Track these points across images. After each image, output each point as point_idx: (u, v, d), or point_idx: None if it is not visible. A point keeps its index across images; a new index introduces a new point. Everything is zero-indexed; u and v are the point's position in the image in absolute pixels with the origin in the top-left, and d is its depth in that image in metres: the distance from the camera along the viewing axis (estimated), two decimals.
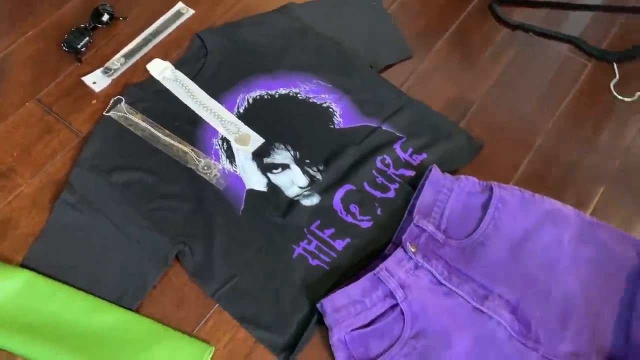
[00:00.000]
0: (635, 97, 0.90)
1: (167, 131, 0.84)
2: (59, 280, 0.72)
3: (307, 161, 0.82)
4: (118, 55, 0.93)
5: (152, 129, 0.84)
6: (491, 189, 0.77)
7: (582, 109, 0.90)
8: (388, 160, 0.82)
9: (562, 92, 0.91)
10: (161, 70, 0.89)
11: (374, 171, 0.81)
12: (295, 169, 0.81)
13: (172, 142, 0.83)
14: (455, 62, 0.94)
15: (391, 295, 0.70)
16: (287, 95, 0.87)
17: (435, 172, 0.78)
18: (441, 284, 0.71)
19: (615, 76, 0.92)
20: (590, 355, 0.68)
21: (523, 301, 0.71)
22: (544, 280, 0.72)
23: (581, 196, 0.81)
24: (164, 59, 0.91)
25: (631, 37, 0.97)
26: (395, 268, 0.71)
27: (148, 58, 0.92)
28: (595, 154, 0.85)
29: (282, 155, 0.82)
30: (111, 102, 0.87)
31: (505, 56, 0.95)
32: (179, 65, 0.90)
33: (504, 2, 1.00)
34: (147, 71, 0.90)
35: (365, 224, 0.77)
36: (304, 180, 0.80)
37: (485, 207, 0.76)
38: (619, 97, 0.90)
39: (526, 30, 0.97)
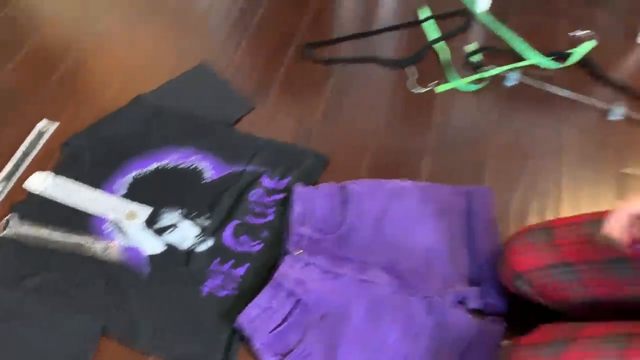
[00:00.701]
0: (428, 88, 1.14)
1: (61, 231, 0.93)
2: None
3: (194, 214, 0.95)
4: None
5: (47, 235, 0.93)
6: (345, 187, 0.95)
7: (397, 107, 1.12)
8: (260, 192, 0.97)
9: (379, 99, 1.14)
10: (42, 180, 0.99)
11: (251, 204, 0.95)
12: (185, 224, 0.94)
13: (68, 239, 0.92)
14: (290, 101, 1.14)
15: (292, 293, 0.83)
16: (159, 168, 1.01)
17: (299, 187, 0.95)
18: (329, 271, 0.86)
19: (408, 77, 1.16)
20: (455, 283, 0.86)
21: (394, 262, 0.88)
22: (406, 241, 0.90)
23: (414, 170, 1.02)
24: (42, 170, 1.01)
25: (414, 46, 1.23)
26: (289, 271, 0.85)
27: (27, 174, 1.01)
28: (416, 137, 1.07)
29: (170, 217, 0.95)
30: (2, 223, 0.95)
31: (327, 85, 1.16)
32: (57, 171, 1.01)
33: (313, 46, 1.22)
34: (28, 188, 0.99)
35: (257, 247, 0.91)
36: (195, 231, 0.93)
37: (345, 201, 0.94)
38: (416, 91, 1.14)
39: (337, 61, 1.20)
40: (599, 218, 0.74)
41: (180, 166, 1.01)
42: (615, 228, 0.63)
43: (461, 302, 0.84)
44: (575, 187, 0.99)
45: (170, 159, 1.02)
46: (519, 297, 0.80)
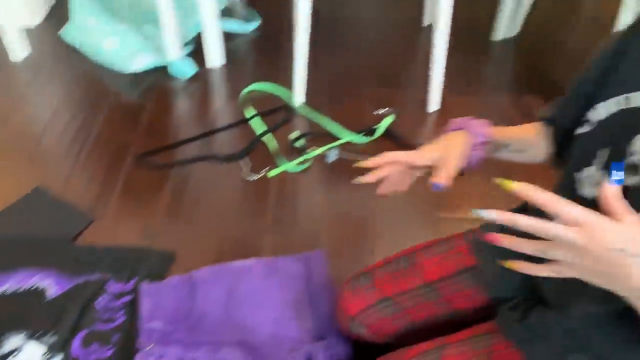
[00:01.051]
0: (262, 174, 1.27)
1: None
2: None
3: (39, 333, 0.93)
4: None
5: None
6: (192, 276, 1.00)
7: (236, 196, 1.22)
8: (107, 298, 0.98)
9: (218, 191, 1.23)
10: None
11: (98, 312, 0.96)
12: (30, 345, 0.91)
13: None
14: (131, 207, 1.19)
15: None
16: None
17: (145, 286, 0.98)
18: (183, 358, 0.88)
19: (242, 168, 1.28)
20: (303, 343, 0.92)
21: (246, 336, 0.93)
22: (254, 315, 0.96)
23: (258, 249, 1.10)
24: None
25: (245, 140, 1.36)
26: None
27: None
28: (256, 219, 1.17)
29: (13, 341, 0.92)
30: None
31: (166, 187, 1.23)
32: None
33: (149, 154, 1.30)
34: None
35: (109, 353, 0.91)
36: (42, 349, 0.90)
37: (193, 290, 0.98)
38: (251, 179, 1.26)
39: (174, 164, 1.28)
40: (408, 253, 0.86)
41: (21, 289, 1.00)
42: (373, 160, 0.74)
43: (311, 359, 0.90)
44: (395, 238, 1.14)
45: (10, 284, 1.00)
46: (359, 341, 0.88)
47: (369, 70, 1.62)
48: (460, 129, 0.76)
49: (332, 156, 1.30)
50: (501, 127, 0.76)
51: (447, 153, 0.72)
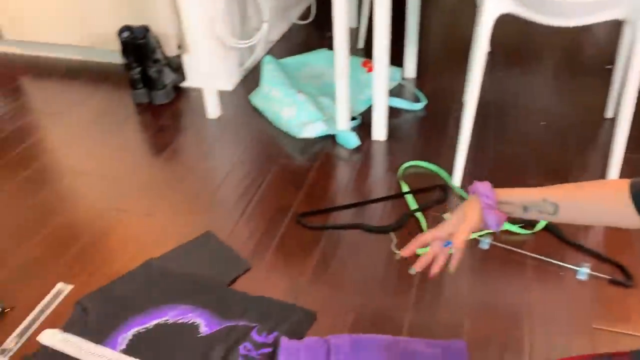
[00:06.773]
0: None
1: None
2: None
3: None
4: (11, 337, 1.10)
5: None
6: (328, 340, 1.02)
7: (380, 268, 1.23)
8: (249, 345, 1.04)
9: (363, 261, 1.25)
10: (51, 336, 1.08)
11: (240, 358, 1.02)
12: None
13: None
14: (283, 263, 1.26)
15: None
16: (159, 324, 1.10)
17: (284, 341, 1.02)
18: None
19: (393, 240, 1.29)
20: None
21: None
22: None
23: (396, 326, 1.09)
24: (53, 327, 1.11)
25: (397, 214, 1.38)
26: None
27: (39, 331, 1.10)
28: (398, 296, 1.16)
29: None
30: None
31: (317, 249, 1.29)
32: (67, 328, 1.10)
33: (306, 215, 1.38)
34: (40, 342, 1.08)
35: None
36: None
37: (329, 353, 1.00)
38: (398, 253, 1.26)
39: (326, 228, 1.34)
40: None
41: (179, 322, 1.10)
42: (409, 247, 0.85)
43: None
44: (547, 342, 1.04)
45: (170, 316, 1.12)
46: None
47: (536, 161, 1.56)
48: (473, 192, 0.82)
49: (486, 243, 1.26)
50: (510, 189, 0.80)
51: (463, 219, 0.80)
